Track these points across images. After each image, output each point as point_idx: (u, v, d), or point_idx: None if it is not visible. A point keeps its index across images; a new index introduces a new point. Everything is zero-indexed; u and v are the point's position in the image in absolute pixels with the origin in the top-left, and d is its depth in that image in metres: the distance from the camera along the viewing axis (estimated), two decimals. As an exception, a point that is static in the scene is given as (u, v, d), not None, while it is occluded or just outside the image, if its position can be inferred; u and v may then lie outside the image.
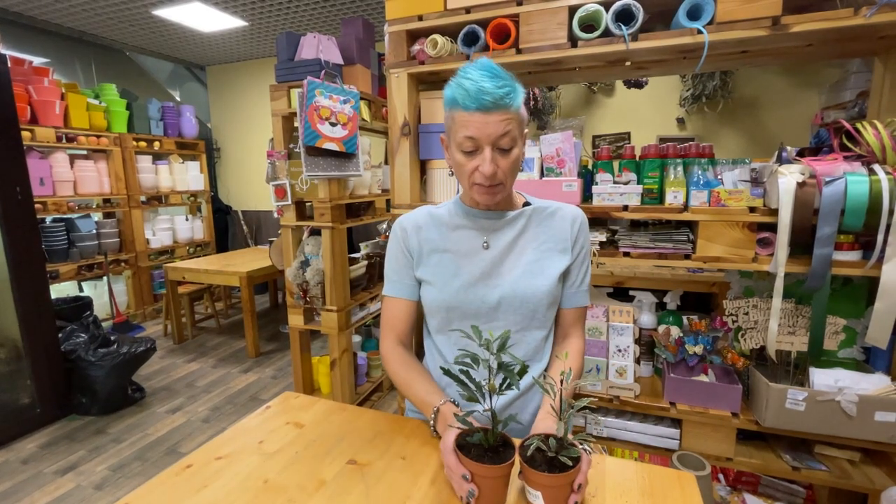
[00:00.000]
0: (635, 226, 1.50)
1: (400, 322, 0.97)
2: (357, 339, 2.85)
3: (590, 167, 1.59)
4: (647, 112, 3.53)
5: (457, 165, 0.86)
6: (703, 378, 1.43)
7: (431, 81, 1.70)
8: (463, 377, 0.72)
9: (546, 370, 0.93)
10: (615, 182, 1.45)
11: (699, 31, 1.24)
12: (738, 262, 1.31)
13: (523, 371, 0.70)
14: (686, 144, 1.48)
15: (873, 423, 1.22)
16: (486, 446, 0.70)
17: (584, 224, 0.95)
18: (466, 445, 0.71)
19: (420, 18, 1.52)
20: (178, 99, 5.20)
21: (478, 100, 0.77)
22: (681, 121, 3.47)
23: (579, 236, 0.94)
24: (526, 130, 0.87)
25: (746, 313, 1.42)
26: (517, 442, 0.75)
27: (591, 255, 1.20)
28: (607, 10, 1.30)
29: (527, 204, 0.96)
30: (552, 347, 0.97)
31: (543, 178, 1.50)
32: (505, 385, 0.71)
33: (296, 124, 2.16)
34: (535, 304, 0.90)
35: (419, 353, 1.04)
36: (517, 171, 0.86)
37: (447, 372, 0.74)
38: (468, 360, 0.71)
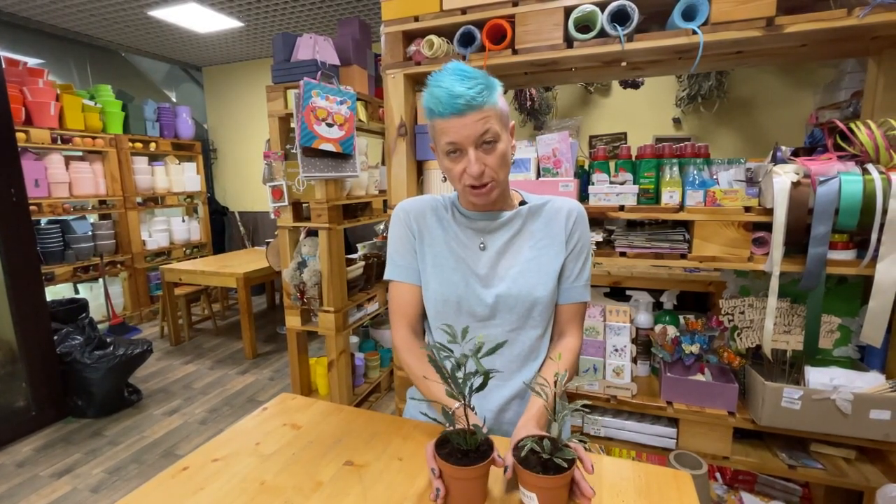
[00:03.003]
0: (631, 226, 1.50)
1: (411, 307, 0.96)
2: (354, 339, 2.85)
3: (586, 167, 1.59)
4: (644, 112, 3.54)
5: (446, 171, 0.86)
6: (699, 377, 1.43)
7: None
8: (446, 373, 0.71)
9: (539, 371, 0.92)
10: (611, 182, 1.45)
11: (694, 32, 1.24)
12: (734, 262, 1.32)
13: (485, 382, 0.69)
14: (682, 144, 1.48)
15: (868, 421, 1.23)
16: (463, 447, 0.69)
17: (580, 217, 0.94)
18: (446, 444, 0.71)
19: (416, 19, 1.52)
20: (174, 100, 5.19)
21: (451, 105, 0.77)
22: (677, 121, 3.48)
23: (575, 230, 0.93)
24: (512, 123, 0.87)
25: (742, 312, 1.43)
26: (507, 443, 0.74)
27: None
28: (603, 11, 1.30)
29: (523, 203, 0.96)
30: (549, 345, 0.96)
31: (540, 179, 1.50)
32: (470, 390, 0.70)
33: (292, 125, 2.16)
34: (531, 303, 0.90)
35: None
36: (507, 165, 0.86)
37: (433, 360, 0.74)
38: (453, 360, 0.70)
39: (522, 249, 0.92)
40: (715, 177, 1.38)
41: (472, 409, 0.71)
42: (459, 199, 0.96)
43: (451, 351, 0.70)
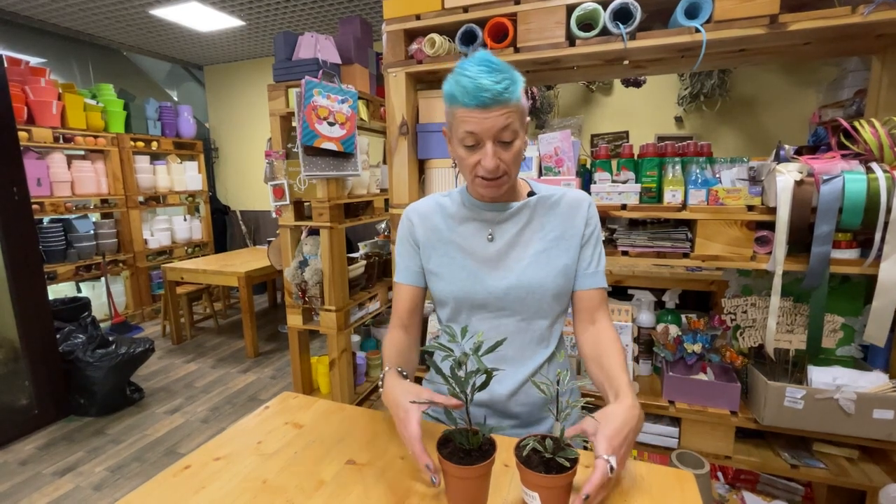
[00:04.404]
0: (634, 224, 1.50)
1: (403, 307, 1.00)
2: (356, 338, 2.85)
3: (588, 166, 1.59)
4: (646, 111, 3.53)
5: (459, 159, 0.87)
6: (701, 377, 1.43)
7: (429, 81, 1.69)
8: (447, 373, 0.71)
9: (607, 367, 0.86)
10: (613, 181, 1.45)
11: (697, 30, 1.24)
12: (737, 261, 1.31)
13: (488, 380, 0.69)
14: (684, 143, 1.48)
15: (871, 420, 1.22)
16: (466, 447, 0.69)
17: (591, 207, 0.95)
18: (448, 443, 0.70)
19: (418, 18, 1.51)
20: (175, 99, 5.19)
21: (476, 97, 0.77)
22: (679, 119, 3.47)
23: (589, 220, 0.94)
24: (528, 119, 0.87)
25: (745, 312, 1.43)
26: (514, 441, 0.74)
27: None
28: (605, 9, 1.30)
29: (531, 193, 0.96)
30: (578, 333, 0.95)
31: (542, 178, 1.50)
32: (472, 388, 0.70)
33: (294, 124, 2.16)
34: (541, 294, 0.90)
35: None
36: (520, 161, 0.86)
37: (429, 360, 0.74)
38: (453, 360, 0.70)
39: (532, 241, 0.92)
40: (718, 175, 1.37)
41: (468, 398, 0.70)
42: (468, 189, 0.95)
43: (451, 350, 0.70)
